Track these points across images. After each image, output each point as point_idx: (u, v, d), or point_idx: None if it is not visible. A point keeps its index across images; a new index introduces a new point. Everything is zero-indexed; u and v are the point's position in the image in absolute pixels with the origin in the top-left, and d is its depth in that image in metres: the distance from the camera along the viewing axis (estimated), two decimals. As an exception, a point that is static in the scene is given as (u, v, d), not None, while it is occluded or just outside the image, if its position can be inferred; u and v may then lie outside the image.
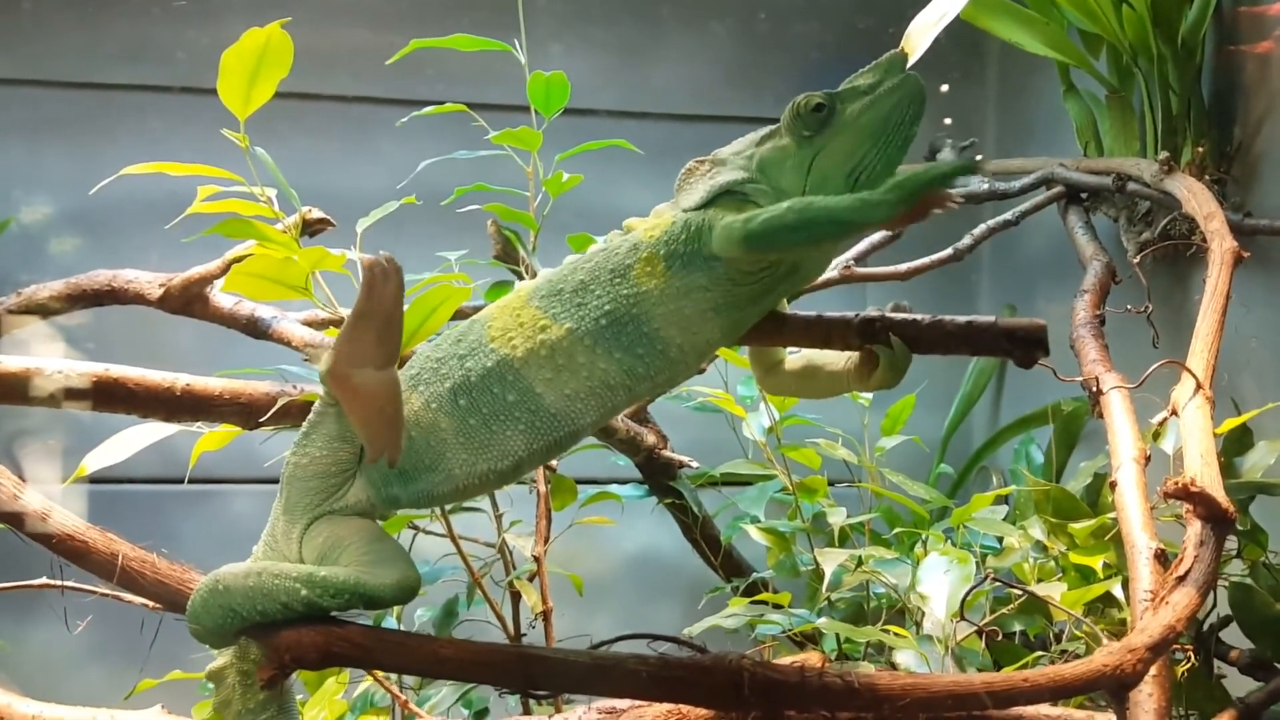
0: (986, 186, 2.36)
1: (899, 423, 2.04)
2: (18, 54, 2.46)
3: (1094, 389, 1.51)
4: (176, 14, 2.48)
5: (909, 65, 1.83)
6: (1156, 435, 1.54)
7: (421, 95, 2.11)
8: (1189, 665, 1.55)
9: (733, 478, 2.10)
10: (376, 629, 0.99)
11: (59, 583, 1.20)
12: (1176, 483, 1.16)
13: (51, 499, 1.10)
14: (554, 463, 1.65)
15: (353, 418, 1.04)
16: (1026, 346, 0.99)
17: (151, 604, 1.09)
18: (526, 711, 1.34)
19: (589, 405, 1.04)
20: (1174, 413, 1.46)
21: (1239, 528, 1.62)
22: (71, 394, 1.34)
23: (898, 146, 1.03)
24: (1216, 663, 1.64)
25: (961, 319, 1.00)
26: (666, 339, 1.04)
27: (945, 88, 2.80)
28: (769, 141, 1.06)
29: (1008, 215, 2.21)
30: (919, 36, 1.83)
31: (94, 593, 1.21)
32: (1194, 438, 1.37)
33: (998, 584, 1.51)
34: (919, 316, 1.01)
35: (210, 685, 1.05)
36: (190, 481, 1.73)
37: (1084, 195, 2.26)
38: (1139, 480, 1.39)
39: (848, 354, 1.09)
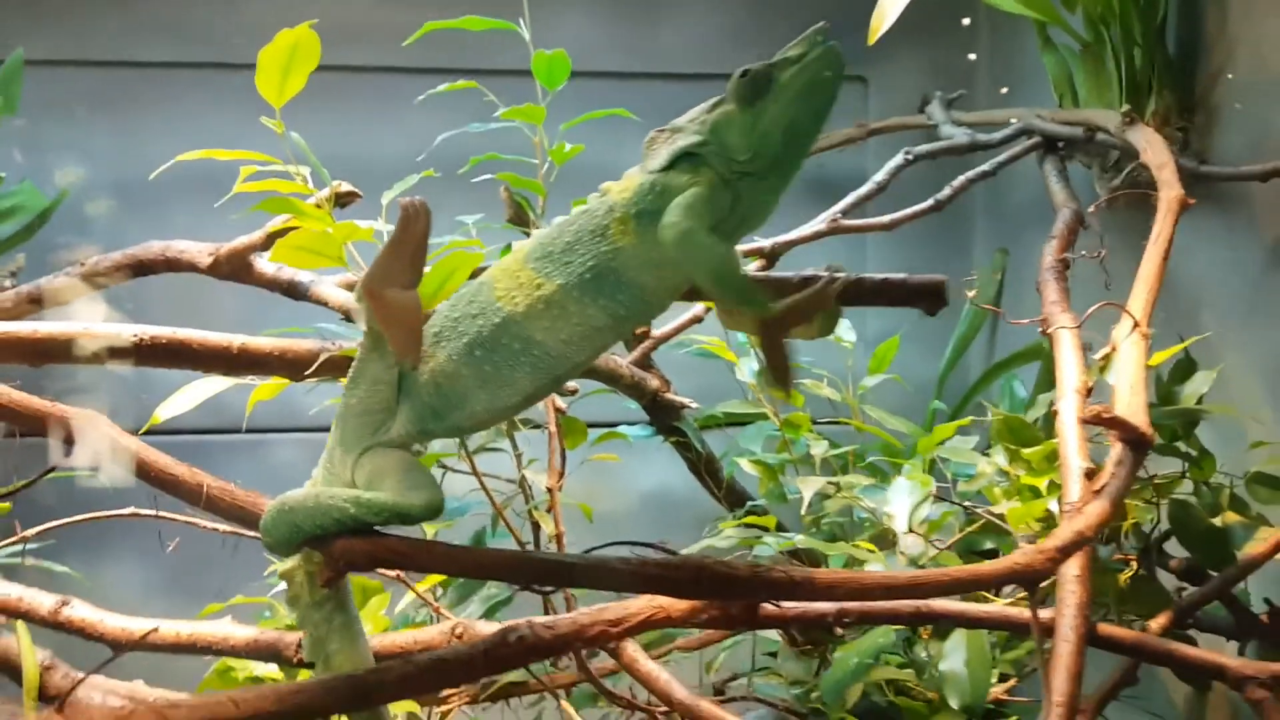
0: (969, 138, 2.52)
1: (885, 363, 2.21)
2: (60, 35, 2.62)
3: (1042, 329, 1.68)
4: (212, -7, 2.65)
5: (881, 33, 2.01)
6: (1103, 369, 1.71)
7: (439, 64, 2.27)
8: (1133, 572, 1.74)
9: (733, 418, 2.29)
10: (412, 539, 1.21)
11: (148, 512, 1.41)
12: (1092, 409, 1.34)
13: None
14: (564, 406, 1.85)
15: (382, 326, 1.26)
16: (929, 298, 1.16)
17: (224, 529, 1.30)
18: (547, 613, 1.54)
19: (582, 346, 1.23)
20: (1114, 349, 1.64)
21: (1190, 451, 1.80)
22: (144, 353, 1.55)
23: (823, 105, 1.20)
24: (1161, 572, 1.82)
25: (878, 276, 1.18)
26: (642, 285, 1.22)
27: (973, 57, 2.92)
28: (718, 108, 1.22)
29: (985, 166, 2.36)
30: (890, 6, 2.00)
31: (174, 519, 1.42)
32: (1126, 370, 1.55)
33: (961, 506, 1.70)
34: (847, 275, 1.18)
35: (283, 583, 1.27)
36: (245, 431, 1.95)
37: (1060, 145, 2.40)
38: (1078, 409, 1.57)
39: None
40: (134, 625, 1.53)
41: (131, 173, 1.79)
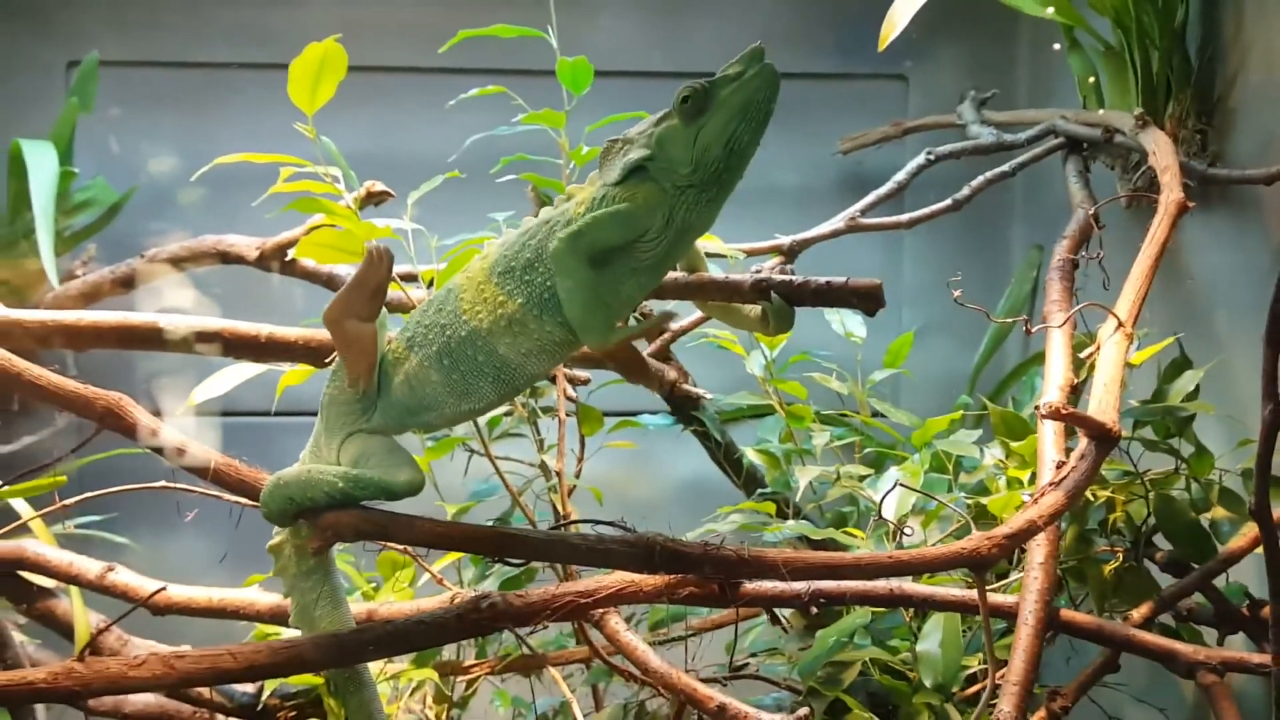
0: (994, 138, 2.56)
1: (899, 358, 2.28)
2: (133, 38, 2.81)
3: (1027, 328, 1.73)
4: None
5: (889, 41, 2.08)
6: (1093, 367, 1.76)
7: (473, 64, 2.38)
8: (1118, 564, 1.79)
9: (755, 410, 2.37)
10: (393, 513, 1.32)
11: (175, 485, 1.55)
12: (1049, 405, 1.40)
13: (186, 429, 1.46)
14: (574, 394, 1.96)
15: (340, 353, 1.37)
16: (867, 301, 1.23)
17: (245, 501, 1.43)
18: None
19: (541, 359, 1.33)
20: (1099, 348, 1.69)
21: (1186, 446, 1.84)
22: (180, 341, 1.70)
23: (761, 120, 1.26)
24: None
25: (822, 279, 1.26)
26: None
27: (1057, 46, 2.93)
28: (664, 122, 1.29)
29: (1005, 167, 2.40)
30: (900, 14, 2.06)
31: (195, 492, 1.56)
32: (1104, 368, 1.60)
33: (927, 495, 1.75)
34: (794, 278, 1.26)
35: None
36: (290, 415, 2.10)
37: (1085, 146, 2.43)
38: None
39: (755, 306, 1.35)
40: (171, 590, 1.68)
41: (198, 167, 1.93)
